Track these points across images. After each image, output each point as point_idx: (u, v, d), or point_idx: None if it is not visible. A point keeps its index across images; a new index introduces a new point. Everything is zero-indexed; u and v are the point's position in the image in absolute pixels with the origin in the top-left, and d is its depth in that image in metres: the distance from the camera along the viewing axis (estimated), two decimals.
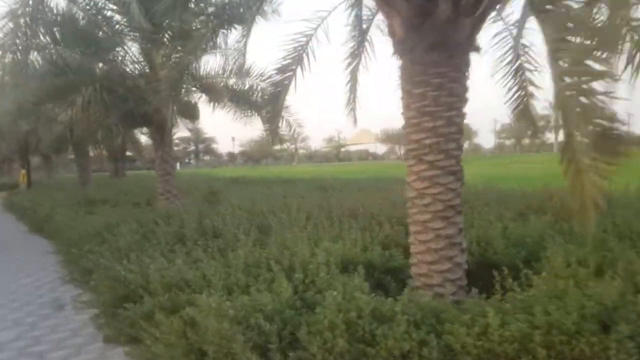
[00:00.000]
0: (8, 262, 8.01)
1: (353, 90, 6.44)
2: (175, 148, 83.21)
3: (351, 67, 6.01)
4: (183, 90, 9.93)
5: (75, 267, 6.26)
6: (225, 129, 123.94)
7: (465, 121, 3.76)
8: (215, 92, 9.18)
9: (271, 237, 5.06)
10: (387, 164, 55.29)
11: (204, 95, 10.69)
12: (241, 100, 10.35)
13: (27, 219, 12.28)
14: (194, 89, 10.03)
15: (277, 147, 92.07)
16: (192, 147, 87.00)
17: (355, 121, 6.68)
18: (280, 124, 6.21)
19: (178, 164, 78.97)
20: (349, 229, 5.17)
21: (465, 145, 4.18)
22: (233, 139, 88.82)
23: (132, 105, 9.14)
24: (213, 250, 4.78)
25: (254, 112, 10.10)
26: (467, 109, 3.73)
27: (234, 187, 14.11)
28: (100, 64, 9.75)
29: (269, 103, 5.45)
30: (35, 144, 19.70)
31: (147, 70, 9.70)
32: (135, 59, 9.64)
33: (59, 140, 16.38)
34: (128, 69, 9.68)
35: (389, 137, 72.60)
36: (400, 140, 75.28)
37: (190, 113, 9.91)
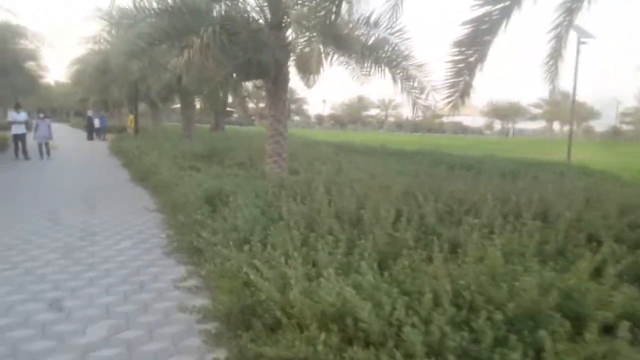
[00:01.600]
0: (106, 218, 7.32)
1: (556, 52, 4.50)
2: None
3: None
4: (306, 39, 8.49)
5: (181, 240, 5.22)
6: (316, 91, 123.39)
7: None
8: (347, 43, 7.58)
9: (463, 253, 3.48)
10: (487, 139, 50.87)
11: (322, 46, 9.18)
12: (369, 54, 8.67)
13: (133, 167, 11.94)
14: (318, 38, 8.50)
15: (374, 112, 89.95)
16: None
17: (554, 90, 4.76)
18: (465, 81, 4.42)
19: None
20: (571, 246, 3.46)
21: None
22: (324, 101, 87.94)
23: (252, 53, 7.89)
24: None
25: (384, 68, 8.38)
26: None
27: (344, 156, 12.68)
28: (220, 5, 8.56)
29: (462, 45, 3.85)
30: (145, 90, 19.79)
31: (270, 16, 8.35)
32: (259, 3, 8.32)
33: (167, 88, 16.05)
34: (250, 13, 8.40)
35: (495, 110, 66.75)
36: (507, 115, 69.44)
37: (311, 66, 8.48)
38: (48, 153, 15.09)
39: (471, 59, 3.61)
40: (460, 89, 4.36)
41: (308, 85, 9.29)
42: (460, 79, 4.19)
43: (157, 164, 9.98)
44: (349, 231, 4.04)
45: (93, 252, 5.29)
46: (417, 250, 3.55)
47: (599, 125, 74.60)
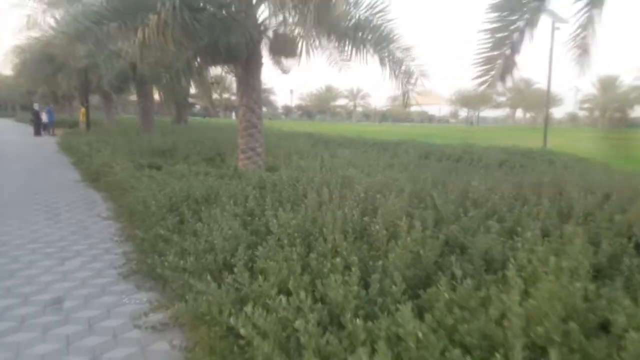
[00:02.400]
0: (48, 229, 6.17)
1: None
2: (233, 97, 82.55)
3: None
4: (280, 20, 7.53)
5: (140, 261, 4.22)
6: (283, 81, 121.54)
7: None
8: (329, 24, 6.66)
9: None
10: (455, 127, 51.19)
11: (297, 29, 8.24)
12: (352, 36, 7.79)
13: (83, 165, 10.61)
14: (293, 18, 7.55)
15: (337, 102, 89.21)
16: None
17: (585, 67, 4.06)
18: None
19: (233, 113, 78.29)
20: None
21: None
22: (291, 91, 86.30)
23: (219, 33, 6.84)
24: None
25: (370, 52, 7.52)
26: None
27: (322, 148, 11.81)
28: None
29: (503, 8, 3.04)
30: (97, 81, 18.14)
31: None
32: None
33: (121, 77, 14.62)
34: None
35: (464, 98, 67.22)
36: (474, 103, 70.31)
37: (288, 49, 7.55)
38: None
39: (516, 25, 2.82)
40: (500, 65, 3.55)
41: (283, 70, 8.34)
42: (499, 51, 3.40)
43: (110, 162, 8.77)
44: (358, 248, 3.19)
45: (29, 278, 4.21)
46: (447, 273, 2.76)
47: (557, 113, 77.12)
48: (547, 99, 23.44)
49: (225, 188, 5.17)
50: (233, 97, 78.19)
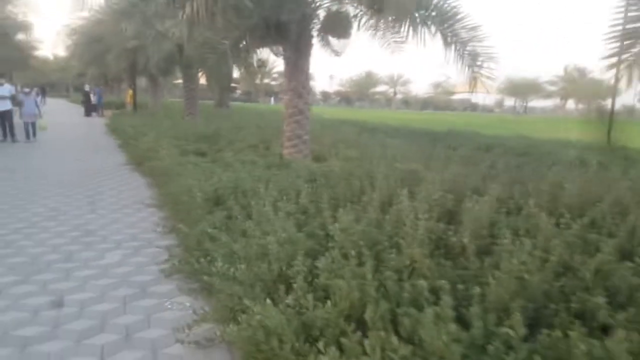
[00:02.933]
0: (90, 216, 5.96)
1: None
2: (273, 82, 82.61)
3: None
4: None
5: (184, 260, 3.84)
6: (322, 66, 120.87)
7: None
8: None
9: None
10: (503, 117, 48.85)
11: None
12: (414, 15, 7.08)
13: (129, 148, 10.50)
14: None
15: (376, 89, 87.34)
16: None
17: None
18: None
19: (272, 99, 78.38)
20: None
21: None
22: (331, 77, 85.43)
23: (269, 10, 6.35)
24: None
25: (430, 30, 6.80)
26: None
27: (368, 137, 11.20)
28: None
29: None
30: (144, 63, 18.17)
31: None
32: None
33: (168, 59, 14.48)
34: None
35: (513, 87, 64.20)
36: (524, 92, 66.98)
37: (341, 28, 6.97)
38: (34, 134, 13.02)
39: None
40: None
41: (334, 52, 7.77)
42: None
43: (155, 146, 8.55)
44: (438, 263, 2.64)
45: (68, 272, 3.92)
46: (561, 305, 2.17)
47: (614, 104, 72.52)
48: (613, 89, 21.49)
49: (275, 180, 4.70)
50: (273, 82, 78.17)
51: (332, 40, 7.44)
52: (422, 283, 2.28)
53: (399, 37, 8.63)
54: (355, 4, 7.03)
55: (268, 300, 2.27)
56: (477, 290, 2.21)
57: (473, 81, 6.49)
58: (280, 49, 7.67)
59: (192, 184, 4.88)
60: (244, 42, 7.05)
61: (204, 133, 10.34)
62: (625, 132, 10.90)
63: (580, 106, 76.02)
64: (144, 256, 4.36)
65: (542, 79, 72.85)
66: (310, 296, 2.20)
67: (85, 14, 18.58)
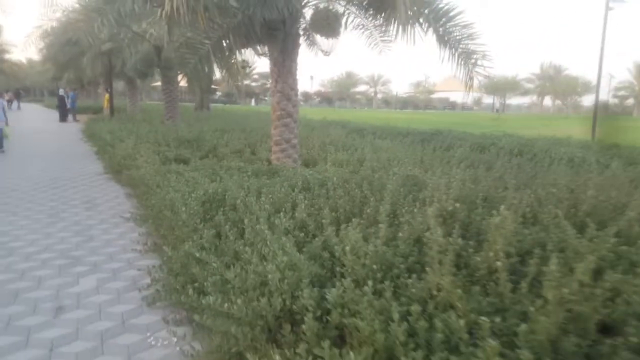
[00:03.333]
0: (62, 233, 5.48)
1: None
2: (253, 84, 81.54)
3: None
4: None
5: (169, 286, 3.41)
6: (302, 67, 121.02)
7: None
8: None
9: None
10: (484, 115, 49.14)
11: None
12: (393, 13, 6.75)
13: (106, 155, 9.94)
14: None
15: (356, 89, 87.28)
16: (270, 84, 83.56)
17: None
18: None
19: (253, 100, 77.57)
20: None
21: None
22: (312, 77, 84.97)
23: (255, 7, 5.93)
24: None
25: (423, 28, 6.48)
26: None
27: (356, 138, 10.85)
28: None
29: None
30: (120, 66, 17.53)
31: None
32: None
33: (146, 62, 13.90)
34: None
35: (492, 85, 64.66)
36: (503, 90, 67.61)
37: (329, 27, 6.60)
38: (1, 145, 11.75)
39: None
40: None
41: (322, 51, 7.40)
42: None
43: (133, 153, 8.04)
44: (466, 291, 2.28)
45: (35, 301, 3.45)
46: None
47: (586, 101, 74.12)
48: (597, 85, 21.69)
49: (266, 191, 4.31)
50: (254, 84, 77.33)
51: (320, 39, 7.07)
52: (459, 322, 1.92)
53: (387, 37, 8.37)
54: (343, 2, 6.68)
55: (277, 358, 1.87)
56: (522, 327, 1.87)
57: (470, 80, 6.19)
58: (266, 49, 7.27)
59: (174, 197, 4.44)
60: (227, 42, 6.62)
61: (185, 138, 9.85)
62: (615, 129, 10.85)
63: (558, 102, 77.36)
64: (124, 280, 3.92)
65: (519, 76, 73.92)
66: (326, 344, 1.82)
67: (58, 14, 17.84)
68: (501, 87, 64.79)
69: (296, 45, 7.04)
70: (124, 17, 7.69)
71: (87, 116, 24.46)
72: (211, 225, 3.67)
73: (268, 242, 2.91)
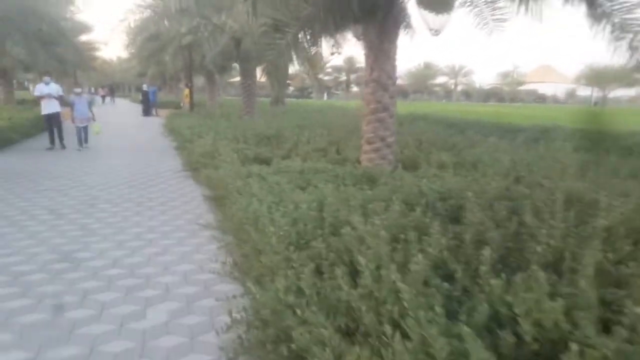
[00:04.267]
0: (134, 241, 4.91)
1: None
2: (326, 77, 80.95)
3: None
4: None
5: (256, 336, 2.56)
6: None
7: None
8: None
9: None
10: (583, 109, 44.25)
11: None
12: None
13: (185, 151, 9.55)
14: None
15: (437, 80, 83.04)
16: (344, 77, 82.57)
17: None
18: None
19: (325, 94, 76.62)
20: None
21: None
22: None
23: None
24: None
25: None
26: None
27: (454, 135, 9.55)
28: None
29: None
30: (200, 60, 17.49)
31: None
32: None
33: (225, 55, 13.54)
34: None
35: (596, 76, 58.37)
36: (610, 81, 60.69)
37: (440, 2, 5.49)
38: (86, 140, 11.51)
39: None
40: None
41: (432, 30, 6.29)
42: None
43: (212, 150, 7.47)
44: None
45: (94, 340, 2.77)
46: None
47: None
48: None
49: (375, 207, 3.33)
50: (326, 77, 76.21)
51: (428, 16, 5.94)
52: None
53: (501, 14, 7.07)
54: None
55: None
56: None
57: (631, 58, 4.77)
58: (360, 31, 6.30)
59: (258, 210, 3.62)
60: (317, 24, 5.72)
61: (264, 134, 9.20)
62: None
63: None
64: (199, 313, 3.16)
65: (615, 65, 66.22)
66: None
67: (144, 13, 18.20)
68: (606, 77, 57.97)
69: (397, 25, 5.99)
70: (204, 10, 7.14)
71: (168, 110, 25.14)
72: (308, 256, 2.77)
73: (403, 300, 1.93)
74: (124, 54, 37.19)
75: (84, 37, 29.68)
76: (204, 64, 16.09)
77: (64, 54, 19.55)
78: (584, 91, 72.36)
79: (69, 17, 24.08)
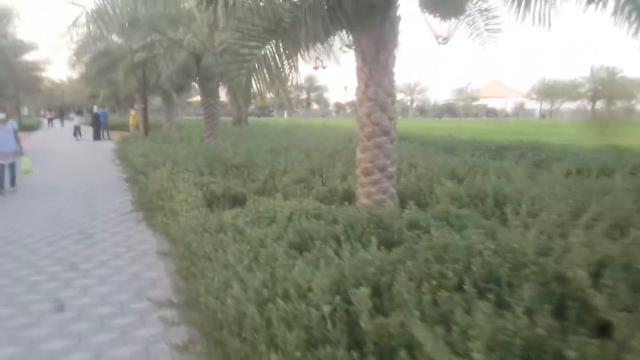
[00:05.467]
0: (67, 326, 3.49)
1: None
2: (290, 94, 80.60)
3: None
4: None
5: None
6: (335, 78, 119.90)
7: None
8: None
9: None
10: (538, 122, 45.37)
11: None
12: None
13: (137, 185, 8.02)
14: None
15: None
16: (304, 95, 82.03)
17: None
18: None
19: (285, 112, 75.53)
20: None
21: None
22: (346, 88, 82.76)
23: None
24: None
25: None
26: None
27: (445, 155, 8.52)
28: None
29: None
30: (155, 79, 15.96)
31: None
32: None
33: (184, 72, 12.12)
34: None
35: (548, 90, 60.34)
36: (558, 95, 62.82)
37: (453, 3, 4.46)
38: (12, 182, 9.11)
39: None
40: None
41: (441, 39, 5.25)
42: None
43: (169, 187, 6.08)
44: None
45: None
46: None
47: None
48: None
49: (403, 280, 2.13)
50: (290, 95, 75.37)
51: (432, 21, 4.89)
52: None
53: (494, 24, 6.30)
54: None
55: None
56: None
57: None
58: (351, 40, 5.16)
59: (243, 303, 2.33)
60: (300, 32, 4.53)
61: (232, 162, 7.86)
62: None
63: (613, 107, 71.73)
64: None
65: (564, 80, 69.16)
66: None
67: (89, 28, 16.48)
68: (554, 91, 60.34)
69: (396, 33, 4.90)
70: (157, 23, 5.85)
71: (121, 133, 23.26)
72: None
73: None
74: (74, 75, 34.79)
75: (27, 57, 27.30)
76: (159, 83, 14.58)
77: (1, 74, 17.50)
78: (531, 105, 74.97)
79: (10, 33, 21.95)
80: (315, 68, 5.55)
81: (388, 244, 3.27)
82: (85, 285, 4.15)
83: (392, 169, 5.21)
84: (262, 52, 5.04)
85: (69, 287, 4.09)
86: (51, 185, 10.03)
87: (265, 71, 5.80)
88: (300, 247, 3.28)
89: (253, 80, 5.94)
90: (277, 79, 5.89)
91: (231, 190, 5.97)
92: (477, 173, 6.64)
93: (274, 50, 5.30)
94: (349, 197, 5.79)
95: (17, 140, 9.27)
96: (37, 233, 5.98)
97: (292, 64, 5.72)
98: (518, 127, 30.14)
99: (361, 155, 5.21)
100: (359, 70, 5.08)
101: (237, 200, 5.77)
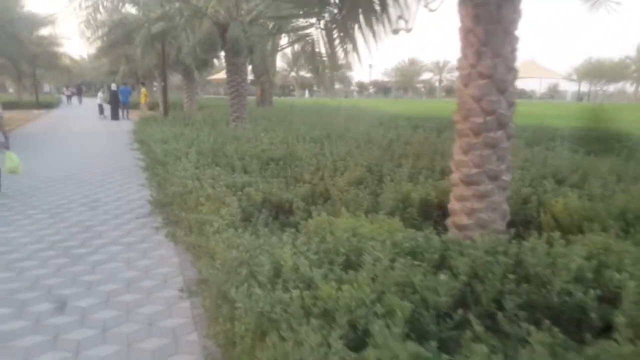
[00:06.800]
0: None
1: None
2: (308, 74, 78.99)
3: None
4: None
5: None
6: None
7: None
8: None
9: None
10: (571, 105, 42.42)
11: None
12: None
13: (156, 178, 6.70)
14: None
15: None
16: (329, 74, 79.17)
17: None
18: None
19: (307, 92, 73.26)
20: None
21: None
22: (370, 66, 79.96)
23: None
24: None
25: None
26: None
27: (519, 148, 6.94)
28: None
29: None
30: (175, 53, 14.54)
31: None
32: None
33: (207, 45, 10.67)
34: None
35: (595, 71, 56.89)
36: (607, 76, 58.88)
37: None
38: None
39: None
40: None
41: None
42: None
43: (195, 187, 4.72)
44: None
45: None
46: None
47: None
48: None
49: None
50: (308, 74, 72.85)
51: None
52: None
53: None
54: None
55: None
56: None
57: None
58: None
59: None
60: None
61: (269, 155, 6.44)
62: None
63: None
64: None
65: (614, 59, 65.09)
66: None
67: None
68: (602, 72, 56.60)
69: None
70: None
71: (140, 112, 22.08)
72: None
73: None
74: (90, 49, 33.63)
75: (43, 32, 26.17)
76: (180, 57, 13.16)
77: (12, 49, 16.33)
78: (567, 86, 70.99)
79: (21, 5, 20.75)
80: (395, 32, 4.01)
81: (556, 320, 1.83)
82: (75, 343, 2.83)
83: (507, 177, 3.70)
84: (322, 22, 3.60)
85: (54, 350, 2.78)
86: (55, 178, 8.79)
87: (327, 43, 4.49)
88: (418, 327, 1.86)
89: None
90: (344, 53, 4.44)
91: (273, 196, 4.57)
92: (587, 175, 5.10)
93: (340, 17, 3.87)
94: (428, 209, 4.36)
95: (2, 130, 7.18)
96: (29, 247, 4.70)
97: (362, 33, 4.29)
98: (549, 109, 27.60)
99: (462, 157, 3.71)
100: (467, 33, 3.54)
101: (282, 211, 4.39)
